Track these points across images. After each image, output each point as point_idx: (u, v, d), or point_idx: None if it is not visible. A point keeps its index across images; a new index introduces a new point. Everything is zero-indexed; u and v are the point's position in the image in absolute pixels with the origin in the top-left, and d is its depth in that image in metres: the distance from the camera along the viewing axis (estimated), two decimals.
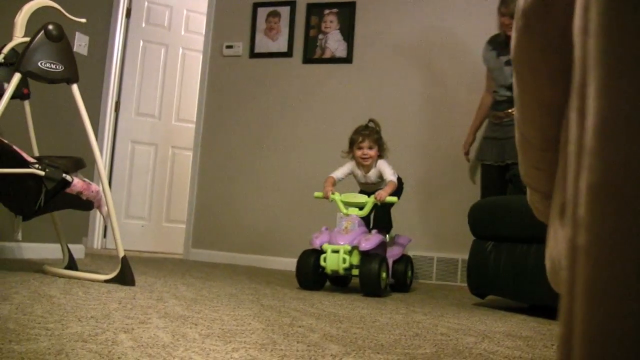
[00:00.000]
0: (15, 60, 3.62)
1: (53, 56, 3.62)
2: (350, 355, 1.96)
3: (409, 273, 4.77)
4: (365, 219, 4.58)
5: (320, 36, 6.51)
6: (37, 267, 4.04)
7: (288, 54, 6.62)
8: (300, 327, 2.49)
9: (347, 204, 4.58)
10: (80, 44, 5.39)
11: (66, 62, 3.69)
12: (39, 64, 3.57)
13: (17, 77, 3.53)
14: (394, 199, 4.56)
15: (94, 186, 3.83)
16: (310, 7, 6.58)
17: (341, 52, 6.43)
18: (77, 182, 3.68)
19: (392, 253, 4.63)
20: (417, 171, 6.07)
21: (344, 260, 4.17)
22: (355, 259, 4.25)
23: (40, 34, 3.59)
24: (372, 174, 4.80)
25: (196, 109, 6.97)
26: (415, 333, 2.56)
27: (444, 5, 6.20)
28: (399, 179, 4.79)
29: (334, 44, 6.44)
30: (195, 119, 6.98)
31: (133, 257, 4.93)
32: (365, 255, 4.20)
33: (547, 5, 0.96)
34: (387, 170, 4.72)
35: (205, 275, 4.67)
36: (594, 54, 0.66)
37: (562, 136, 0.98)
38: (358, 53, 6.41)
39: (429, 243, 5.97)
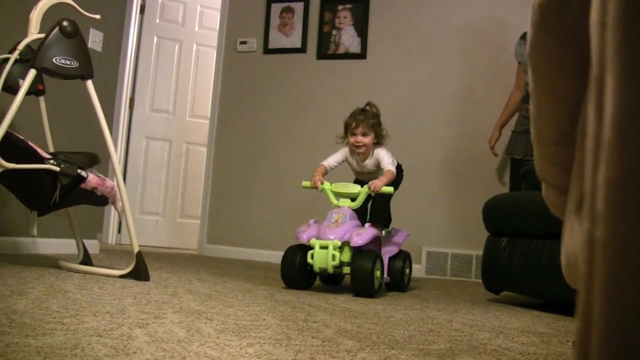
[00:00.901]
0: (30, 57, 3.63)
1: (68, 52, 3.63)
2: (365, 350, 1.96)
3: (407, 271, 4.37)
4: (361, 212, 4.25)
5: (334, 32, 6.51)
6: (52, 263, 4.06)
7: (302, 49, 6.61)
8: (314, 322, 2.50)
9: (338, 195, 4.17)
10: (95, 40, 5.40)
11: (81, 58, 3.70)
12: (53, 60, 3.58)
13: (32, 73, 3.54)
14: (389, 189, 4.12)
15: (108, 182, 3.84)
16: (324, 3, 6.57)
17: (355, 47, 6.42)
18: (92, 178, 3.69)
19: (388, 249, 4.26)
20: (432, 167, 6.07)
21: (334, 257, 3.74)
22: (346, 256, 3.85)
23: (55, 30, 3.60)
24: (369, 163, 4.40)
25: (210, 104, 6.98)
26: (430, 329, 2.56)
27: (459, 0, 6.19)
28: (399, 167, 4.44)
29: (348, 39, 6.44)
30: (209, 115, 7.00)
31: (148, 252, 4.95)
32: (357, 251, 3.85)
33: (562, 1, 0.96)
34: (385, 158, 4.30)
35: (219, 271, 4.68)
36: (612, 47, 0.66)
37: (579, 131, 0.98)
38: (372, 48, 6.40)
39: (443, 239, 5.96)
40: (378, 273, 3.82)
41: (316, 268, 3.80)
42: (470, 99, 6.06)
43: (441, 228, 5.99)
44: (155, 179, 7.53)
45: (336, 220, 3.93)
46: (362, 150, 4.32)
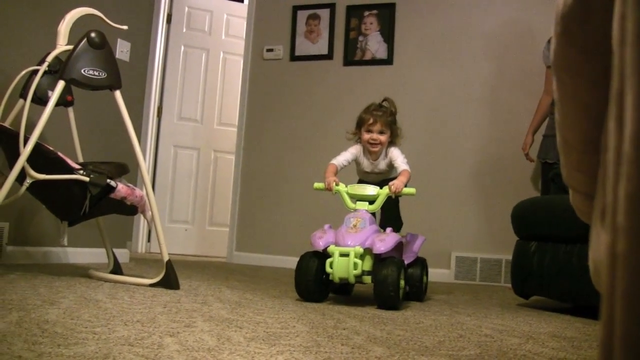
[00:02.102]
0: (59, 68, 3.66)
1: (96, 63, 3.66)
2: (395, 357, 1.95)
3: (425, 279, 4.03)
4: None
5: (361, 38, 6.51)
6: (83, 272, 4.09)
7: (328, 56, 6.62)
8: (344, 329, 2.50)
9: (355, 197, 3.83)
10: (122, 50, 5.44)
11: (109, 69, 3.73)
12: (82, 71, 3.61)
13: (61, 84, 3.58)
14: (412, 190, 3.78)
15: (137, 191, 3.86)
16: (350, 9, 6.58)
17: (381, 53, 6.42)
18: (121, 188, 3.71)
19: (405, 255, 3.90)
20: (460, 172, 6.05)
21: (355, 266, 3.37)
22: (367, 264, 3.51)
23: (83, 41, 3.63)
24: (382, 163, 4.09)
25: (238, 112, 7.00)
26: (459, 334, 2.55)
27: (485, 3, 6.17)
28: None
29: (374, 45, 6.43)
30: (237, 123, 7.02)
31: (177, 260, 4.97)
32: (378, 259, 3.55)
33: (585, 11, 0.96)
34: (399, 158, 3.99)
35: (249, 278, 4.69)
36: (630, 64, 0.66)
37: (603, 140, 0.98)
38: (398, 54, 6.39)
39: (472, 243, 5.94)
40: (402, 283, 3.50)
41: (336, 278, 3.42)
42: (497, 104, 6.04)
43: (470, 233, 5.97)
44: (184, 188, 7.56)
45: (354, 225, 3.59)
46: (377, 148, 4.02)
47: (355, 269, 3.37)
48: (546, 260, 3.73)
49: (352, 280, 3.41)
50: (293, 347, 1.99)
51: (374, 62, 6.46)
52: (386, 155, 4.08)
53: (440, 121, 6.16)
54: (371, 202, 3.77)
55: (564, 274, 3.57)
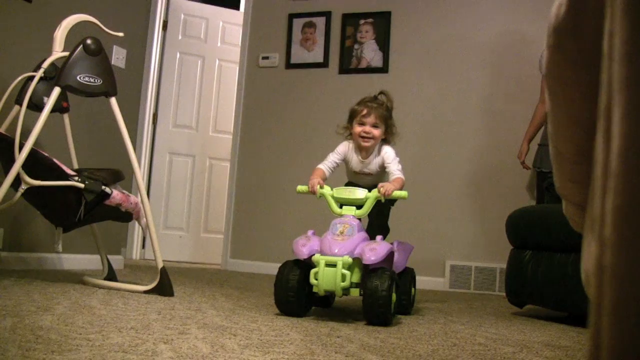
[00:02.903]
0: (55, 75, 3.67)
1: (91, 70, 3.67)
2: None
3: (413, 290, 3.73)
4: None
5: (356, 46, 6.52)
6: (77, 278, 4.09)
7: (324, 64, 6.63)
8: (338, 337, 2.50)
9: (341, 202, 3.45)
10: (118, 57, 5.44)
11: (104, 75, 3.74)
12: (77, 78, 3.61)
13: (56, 91, 3.58)
14: (403, 193, 3.45)
15: (132, 198, 3.86)
16: (346, 17, 6.59)
17: (377, 61, 6.43)
18: (116, 194, 3.72)
19: (394, 266, 3.48)
20: (455, 180, 6.06)
21: (344, 278, 3.02)
22: (356, 276, 3.16)
23: (79, 48, 3.64)
24: (373, 162, 3.76)
25: (233, 119, 7.00)
26: (453, 343, 2.56)
27: (481, 13, 6.19)
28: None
29: (370, 53, 6.45)
30: (232, 130, 7.02)
31: (171, 267, 4.97)
32: (367, 270, 3.17)
33: (578, 24, 0.97)
34: (393, 162, 3.69)
35: (243, 286, 4.69)
36: (618, 80, 0.67)
37: (594, 155, 0.99)
38: (394, 62, 6.40)
39: (467, 252, 5.95)
40: (394, 296, 3.12)
41: (321, 291, 3.07)
42: (493, 113, 6.05)
43: (465, 241, 5.98)
44: (178, 195, 7.56)
45: (341, 232, 3.23)
46: (368, 143, 3.69)
47: (343, 280, 3.02)
48: (541, 269, 3.74)
49: (339, 293, 3.08)
50: (287, 355, 2.00)
51: (370, 70, 6.47)
52: (379, 153, 3.76)
53: (435, 129, 6.17)
54: (359, 207, 3.41)
55: (558, 283, 3.58)
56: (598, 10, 0.78)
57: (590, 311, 0.72)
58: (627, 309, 0.64)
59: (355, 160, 3.78)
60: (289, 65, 6.78)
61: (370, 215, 3.62)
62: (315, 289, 3.09)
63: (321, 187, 3.51)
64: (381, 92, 3.89)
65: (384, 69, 6.40)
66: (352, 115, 3.79)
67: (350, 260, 3.07)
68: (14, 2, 4.51)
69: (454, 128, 6.15)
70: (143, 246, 7.32)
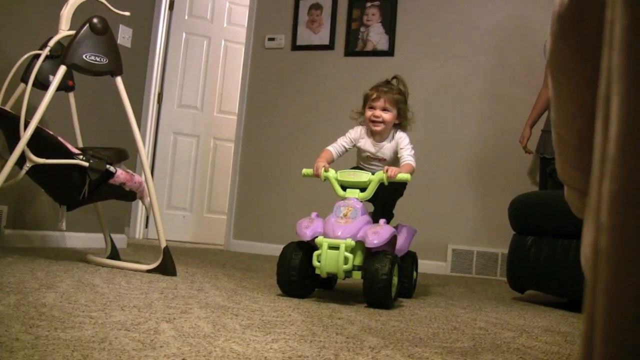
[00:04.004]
0: (61, 53, 3.67)
1: (97, 49, 3.67)
2: (389, 347, 1.97)
3: (415, 274, 3.73)
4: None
5: (362, 29, 6.51)
6: (80, 257, 4.10)
7: (330, 46, 6.62)
8: (339, 319, 2.51)
9: (345, 184, 3.43)
10: (124, 36, 5.44)
11: (110, 55, 3.74)
12: (83, 56, 3.62)
13: (62, 69, 3.58)
14: (406, 175, 3.38)
15: (137, 177, 3.87)
16: (353, 0, 6.58)
17: (383, 45, 6.42)
18: (121, 173, 3.72)
19: (397, 248, 3.46)
20: (459, 164, 6.06)
21: (346, 260, 3.01)
22: (359, 259, 3.16)
23: (85, 27, 3.64)
24: (387, 147, 3.68)
25: (238, 100, 7.01)
26: (454, 327, 2.57)
27: None
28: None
29: (376, 36, 6.43)
30: (237, 111, 7.02)
31: (174, 247, 4.98)
32: (370, 253, 3.17)
33: (580, 11, 0.98)
34: (406, 148, 3.63)
35: (245, 266, 4.70)
36: (617, 68, 0.68)
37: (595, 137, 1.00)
38: (400, 46, 6.39)
39: (469, 236, 5.96)
40: (395, 279, 3.15)
41: (323, 273, 3.07)
42: (498, 97, 6.04)
43: (467, 226, 5.99)
44: (182, 175, 7.57)
45: (345, 215, 3.22)
46: (379, 127, 3.61)
47: (345, 263, 3.01)
48: (542, 255, 3.74)
49: (341, 276, 3.08)
50: (288, 336, 2.01)
51: (375, 53, 6.46)
52: (393, 138, 3.69)
53: (439, 114, 6.17)
54: (363, 190, 3.38)
55: (559, 269, 3.59)
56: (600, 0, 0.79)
57: (585, 293, 0.74)
58: (621, 291, 0.66)
59: (368, 143, 3.70)
60: (295, 47, 6.77)
61: (375, 203, 3.64)
62: (317, 271, 3.08)
63: (326, 171, 3.47)
64: (394, 77, 3.83)
65: (389, 53, 6.38)
66: (365, 100, 3.71)
67: (353, 243, 3.05)
68: None
69: (458, 112, 6.14)
70: (146, 225, 7.34)
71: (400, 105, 3.67)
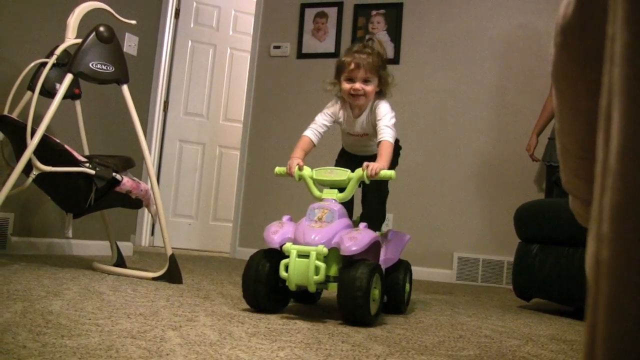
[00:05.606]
0: (68, 61, 3.69)
1: (104, 57, 3.69)
2: (394, 355, 1.97)
3: (407, 286, 3.25)
4: (347, 204, 3.06)
5: (367, 37, 6.51)
6: (86, 264, 4.11)
7: (335, 54, 6.60)
8: (345, 327, 2.51)
9: (321, 183, 3.09)
10: (130, 44, 5.46)
11: (116, 63, 3.75)
12: (90, 65, 3.63)
13: (69, 77, 3.60)
14: (390, 173, 2.94)
15: (143, 185, 3.88)
16: (358, 8, 6.58)
17: (388, 53, 6.41)
18: (127, 181, 3.73)
19: (385, 257, 3.06)
20: (465, 172, 6.06)
21: (317, 271, 2.59)
22: (334, 268, 2.73)
23: (92, 35, 3.66)
24: (365, 121, 3.26)
25: (244, 108, 7.02)
26: (460, 335, 2.57)
27: (492, 5, 6.17)
28: (396, 142, 3.22)
29: None
30: (242, 119, 7.03)
31: (180, 255, 4.99)
32: (347, 262, 2.69)
33: (584, 23, 0.99)
34: (385, 117, 3.15)
35: None
36: (618, 83, 0.69)
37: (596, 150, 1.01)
38: (405, 54, 6.40)
39: (474, 244, 5.95)
40: (377, 292, 2.69)
41: (292, 285, 2.65)
42: (503, 105, 6.04)
43: (473, 234, 5.98)
44: (188, 182, 7.58)
45: (319, 218, 2.81)
46: (361, 101, 3.20)
47: (316, 274, 2.59)
48: (548, 263, 3.74)
49: (312, 288, 2.64)
50: (294, 344, 2.01)
51: None
52: (372, 110, 3.24)
53: (445, 121, 6.17)
54: (341, 190, 3.00)
55: (565, 277, 3.59)
56: (604, 11, 0.80)
57: (587, 305, 0.74)
58: (622, 305, 0.66)
59: (346, 119, 3.32)
60: (300, 55, 6.78)
61: (364, 197, 3.35)
62: (287, 283, 2.67)
63: (300, 169, 3.12)
64: (370, 38, 3.38)
65: (395, 61, 6.38)
66: (340, 69, 3.29)
67: (325, 250, 2.64)
68: None
69: (464, 120, 6.14)
70: (152, 233, 7.34)
71: (381, 72, 3.22)
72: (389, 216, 5.96)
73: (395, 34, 6.42)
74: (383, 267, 2.95)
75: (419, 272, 5.72)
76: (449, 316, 3.20)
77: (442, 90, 6.23)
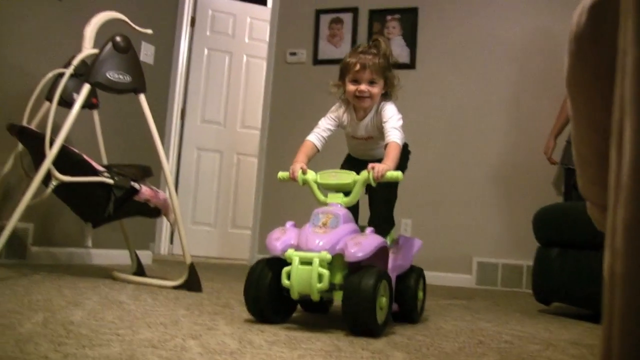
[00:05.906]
0: (85, 72, 3.70)
1: (121, 67, 3.70)
2: None
3: (420, 294, 3.08)
4: (353, 209, 2.95)
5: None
6: (106, 273, 4.12)
7: None
8: (364, 333, 2.51)
9: (326, 187, 2.99)
10: (147, 53, 5.48)
11: (133, 72, 3.77)
12: (107, 75, 3.65)
13: (86, 88, 3.61)
14: (397, 174, 2.79)
15: (161, 194, 3.89)
16: (373, 13, 6.59)
17: (404, 58, 6.41)
18: (145, 190, 3.75)
19: (395, 264, 2.93)
20: (483, 176, 6.04)
21: (320, 278, 2.46)
22: (339, 276, 2.60)
23: (108, 45, 3.67)
24: (372, 123, 3.14)
25: (261, 115, 7.02)
26: (479, 340, 2.56)
27: (508, 9, 6.16)
28: (404, 145, 3.10)
29: (397, 49, 6.42)
30: (260, 126, 7.04)
31: (199, 262, 4.99)
32: (353, 269, 2.57)
33: (597, 32, 0.98)
34: (391, 119, 3.04)
35: None
36: (629, 96, 0.69)
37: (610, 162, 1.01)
38: (421, 59, 6.39)
39: (493, 249, 5.93)
40: (384, 300, 2.54)
41: (294, 294, 2.52)
42: (521, 109, 6.03)
43: (492, 238, 5.96)
44: (206, 190, 7.60)
45: (324, 224, 2.72)
46: (367, 103, 3.09)
47: (320, 281, 2.46)
48: (567, 267, 3.72)
49: (315, 297, 2.50)
50: (314, 352, 2.01)
51: (397, 66, 6.35)
52: (377, 111, 3.13)
53: (462, 126, 6.16)
54: (347, 193, 2.88)
55: (585, 281, 3.57)
56: (617, 21, 0.79)
57: (603, 316, 0.74)
58: (637, 315, 0.66)
59: (350, 121, 3.21)
60: (316, 62, 6.78)
61: (371, 202, 3.21)
62: (291, 292, 2.54)
63: (304, 173, 3.03)
64: (375, 39, 3.25)
65: (411, 65, 6.38)
66: (344, 70, 3.16)
67: (329, 256, 2.51)
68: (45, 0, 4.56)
69: (480, 124, 6.13)
70: (171, 241, 7.36)
71: (387, 73, 3.13)
72: (408, 221, 5.96)
73: (410, 38, 6.42)
74: (394, 274, 2.88)
75: (438, 277, 5.71)
76: (469, 322, 3.19)
77: (459, 93, 6.22)
